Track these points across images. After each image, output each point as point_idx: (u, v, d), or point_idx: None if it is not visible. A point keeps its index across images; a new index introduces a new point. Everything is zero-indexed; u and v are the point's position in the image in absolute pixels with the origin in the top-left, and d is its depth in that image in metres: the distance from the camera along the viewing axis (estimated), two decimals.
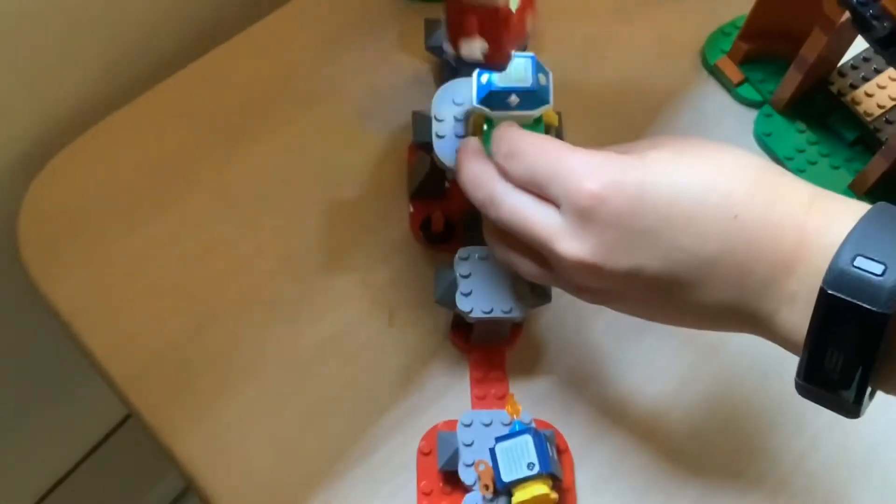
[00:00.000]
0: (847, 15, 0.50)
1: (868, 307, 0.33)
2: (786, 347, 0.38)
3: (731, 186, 0.38)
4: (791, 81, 0.57)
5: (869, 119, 0.57)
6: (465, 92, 0.50)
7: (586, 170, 0.39)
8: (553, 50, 0.60)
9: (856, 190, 0.56)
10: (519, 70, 0.46)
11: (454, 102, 0.50)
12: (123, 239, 0.53)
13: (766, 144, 0.58)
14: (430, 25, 0.56)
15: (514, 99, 0.46)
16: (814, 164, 0.57)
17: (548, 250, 0.40)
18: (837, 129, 0.58)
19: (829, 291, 0.34)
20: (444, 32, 0.45)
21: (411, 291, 0.53)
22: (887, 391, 0.36)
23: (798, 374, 0.36)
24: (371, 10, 0.62)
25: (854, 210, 0.36)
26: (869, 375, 0.34)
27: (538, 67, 0.48)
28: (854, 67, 0.59)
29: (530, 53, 0.48)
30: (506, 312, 0.47)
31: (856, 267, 0.34)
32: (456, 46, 0.43)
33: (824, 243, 0.35)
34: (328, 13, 0.62)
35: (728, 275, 0.37)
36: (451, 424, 0.48)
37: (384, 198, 0.56)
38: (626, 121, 0.60)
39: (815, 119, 0.59)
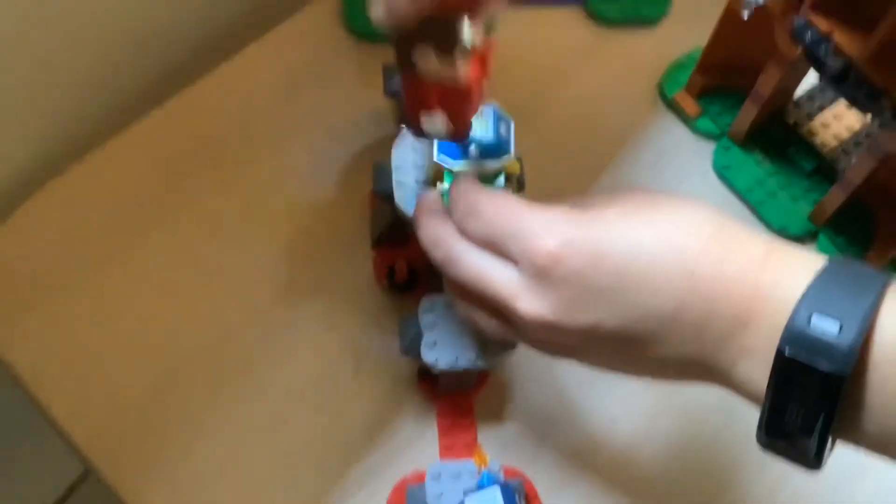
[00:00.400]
0: (801, 49, 0.50)
1: (825, 370, 0.33)
2: (746, 399, 0.38)
3: (686, 243, 0.38)
4: (747, 114, 0.57)
5: (825, 150, 0.58)
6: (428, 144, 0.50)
7: (543, 228, 0.39)
8: (510, 86, 0.60)
9: (815, 221, 0.57)
10: (479, 121, 0.46)
11: (413, 149, 0.50)
12: (83, 295, 0.52)
13: (726, 177, 0.59)
14: (388, 71, 0.55)
15: (473, 151, 0.46)
16: (773, 195, 0.58)
17: (507, 308, 0.40)
18: (795, 159, 0.59)
19: (787, 354, 0.34)
20: (402, 105, 0.44)
21: (377, 339, 0.53)
22: (848, 442, 0.36)
23: (759, 428, 0.36)
24: (329, 51, 0.62)
25: (810, 264, 0.36)
26: (829, 430, 0.34)
27: (499, 117, 0.47)
28: (810, 98, 0.59)
29: (491, 102, 0.48)
30: (471, 363, 0.47)
31: (812, 327, 0.34)
32: (416, 122, 0.43)
33: (779, 297, 0.35)
34: (287, 56, 0.61)
35: (686, 330, 0.37)
36: (420, 476, 0.48)
37: (348, 243, 0.55)
38: (586, 158, 0.60)
39: (773, 150, 0.59)
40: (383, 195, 0.50)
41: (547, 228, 0.39)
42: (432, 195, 0.45)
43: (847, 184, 0.53)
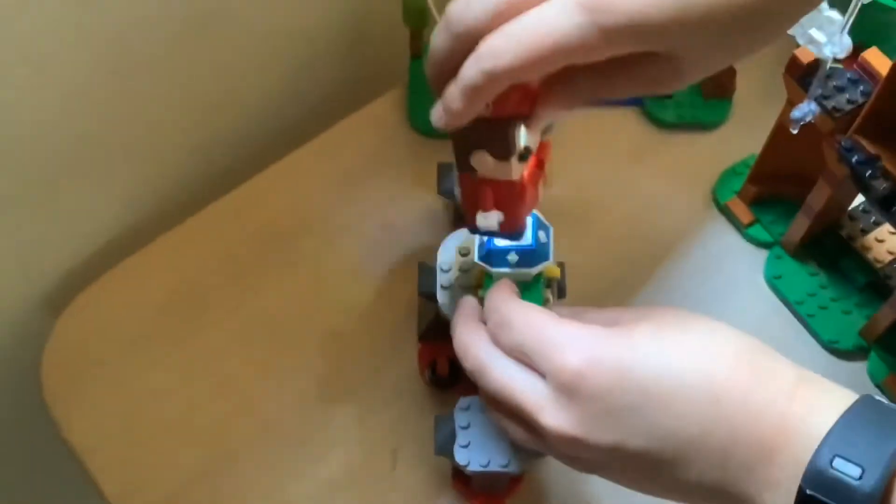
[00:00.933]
0: (847, 170, 0.50)
1: None
2: None
3: (713, 368, 0.38)
4: (800, 227, 0.57)
5: (879, 265, 0.57)
6: (469, 242, 0.52)
7: (570, 344, 0.40)
8: (564, 185, 0.61)
9: (866, 337, 0.56)
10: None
11: (459, 253, 0.52)
12: (140, 377, 0.55)
13: (777, 287, 0.58)
14: (443, 169, 0.58)
15: (513, 257, 0.48)
16: (824, 308, 0.57)
17: (533, 420, 0.41)
18: (848, 272, 0.58)
19: (808, 491, 0.34)
20: (460, 202, 0.46)
21: (415, 433, 0.54)
22: None
23: None
24: (391, 147, 0.65)
25: (838, 401, 0.36)
26: None
27: (538, 224, 0.49)
28: (865, 211, 0.59)
29: (541, 217, 0.49)
30: (503, 466, 0.47)
31: (834, 468, 0.34)
32: (472, 218, 0.45)
33: (805, 433, 0.35)
34: (344, 150, 0.64)
35: (709, 457, 0.38)
36: None
37: (393, 337, 0.57)
38: (636, 261, 0.60)
39: (825, 262, 0.59)
40: (427, 295, 0.51)
41: (574, 344, 0.40)
42: (470, 301, 0.47)
43: None
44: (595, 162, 0.64)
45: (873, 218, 0.59)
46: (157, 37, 0.55)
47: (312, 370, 0.56)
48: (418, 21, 0.62)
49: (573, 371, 0.39)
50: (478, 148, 0.41)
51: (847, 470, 0.33)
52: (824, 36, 0.46)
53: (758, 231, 0.60)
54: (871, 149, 0.49)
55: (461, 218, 0.59)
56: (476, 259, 0.48)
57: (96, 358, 0.56)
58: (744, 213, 0.61)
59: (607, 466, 0.41)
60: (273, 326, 0.57)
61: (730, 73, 0.64)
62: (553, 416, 0.40)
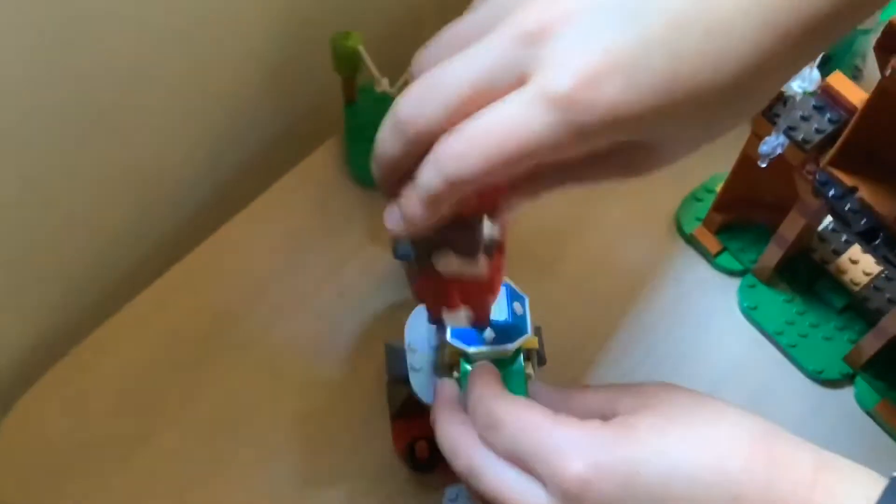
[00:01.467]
0: (824, 204, 0.48)
1: None
2: None
3: (727, 463, 0.35)
4: (772, 256, 0.55)
5: (856, 287, 0.55)
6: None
7: (571, 448, 0.37)
8: (527, 237, 0.58)
9: (851, 364, 0.54)
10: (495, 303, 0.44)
11: (427, 329, 0.48)
12: (93, 486, 0.50)
13: (754, 319, 0.56)
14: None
15: (489, 334, 0.44)
16: (805, 337, 0.55)
17: None
18: (825, 296, 0.56)
19: None
20: (417, 298, 0.43)
21: None
22: None
23: None
24: (332, 204, 0.60)
25: (863, 486, 0.34)
26: None
27: (512, 295, 0.46)
28: (834, 231, 0.57)
29: (513, 287, 0.46)
30: None
31: None
32: (435, 315, 0.42)
33: None
34: (286, 211, 0.60)
35: None
36: None
37: (365, 416, 0.53)
38: (607, 302, 0.57)
39: (800, 286, 0.57)
40: (398, 378, 0.48)
41: (575, 449, 0.37)
42: (448, 388, 0.43)
43: (883, 332, 0.51)
44: (553, 206, 0.61)
45: (844, 237, 0.57)
46: (65, 123, 0.49)
47: (283, 460, 0.52)
48: (350, 69, 0.57)
49: (577, 479, 0.36)
50: (440, 248, 0.38)
51: None
52: None
53: (727, 260, 0.58)
54: (846, 180, 0.46)
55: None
56: (448, 338, 0.44)
57: (42, 467, 0.51)
58: (711, 243, 0.58)
59: None
60: (233, 417, 0.53)
61: None
62: None
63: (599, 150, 0.33)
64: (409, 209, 0.35)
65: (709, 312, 0.58)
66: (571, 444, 0.37)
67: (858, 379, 0.54)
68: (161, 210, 0.60)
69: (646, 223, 0.61)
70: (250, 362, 0.55)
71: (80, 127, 0.50)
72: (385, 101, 0.60)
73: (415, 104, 0.34)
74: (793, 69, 0.33)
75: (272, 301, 0.57)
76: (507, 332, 0.44)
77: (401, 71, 0.64)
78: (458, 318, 0.42)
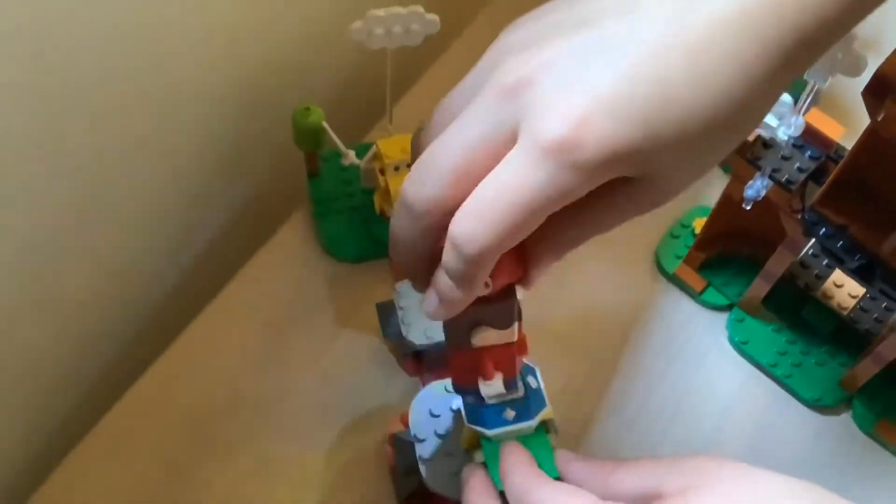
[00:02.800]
0: (815, 242, 0.48)
1: None
2: None
3: None
4: (759, 290, 0.55)
5: (844, 311, 0.55)
6: (440, 401, 0.47)
7: None
8: None
9: (847, 388, 0.54)
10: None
11: (431, 414, 0.47)
12: None
13: (746, 353, 0.56)
14: (384, 311, 0.52)
15: (509, 413, 0.43)
16: (798, 366, 0.55)
17: None
18: (813, 322, 0.56)
19: None
20: (451, 377, 0.41)
21: None
22: None
23: None
24: (305, 284, 0.58)
25: None
26: None
27: (525, 370, 0.44)
28: (815, 256, 0.57)
29: (525, 362, 0.44)
30: None
31: None
32: (467, 388, 0.41)
33: None
34: (258, 299, 0.57)
35: None
36: None
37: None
38: (599, 351, 0.57)
39: (787, 313, 0.57)
40: (408, 470, 0.46)
41: None
42: (479, 478, 0.41)
43: (879, 357, 0.51)
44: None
45: (826, 262, 0.57)
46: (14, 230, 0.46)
47: None
48: (313, 144, 0.55)
49: None
50: (479, 325, 0.38)
51: None
52: (776, 119, 0.43)
53: (712, 295, 0.58)
54: (836, 219, 0.46)
55: (412, 356, 0.54)
56: (467, 423, 0.43)
57: None
58: (695, 280, 0.58)
59: None
60: None
61: None
62: None
63: (603, 192, 0.32)
64: (445, 294, 0.34)
65: (700, 349, 0.57)
66: None
67: (856, 402, 0.55)
68: (124, 310, 0.57)
69: (626, 266, 0.60)
70: (240, 466, 0.52)
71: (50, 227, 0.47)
72: (349, 171, 0.59)
73: (417, 184, 0.33)
74: (786, 81, 0.32)
75: (255, 395, 0.54)
76: (527, 407, 0.43)
77: (360, 137, 0.62)
78: (496, 387, 0.40)
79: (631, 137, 0.30)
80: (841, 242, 0.46)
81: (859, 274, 0.46)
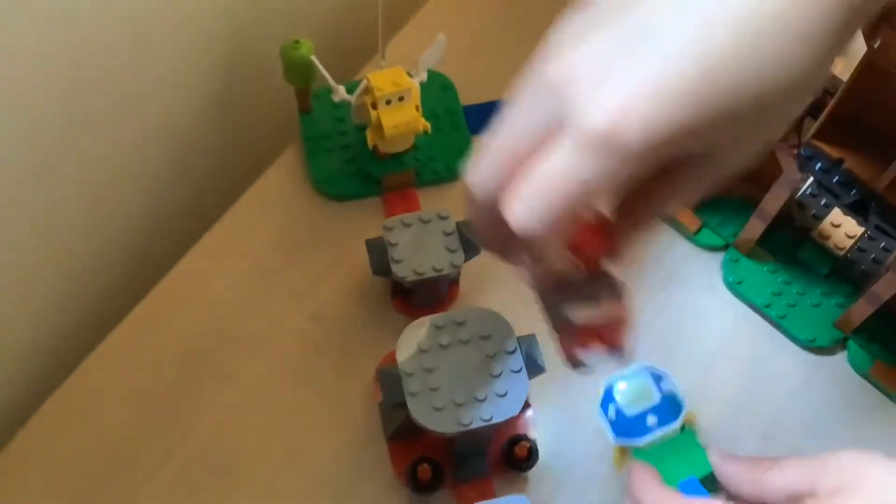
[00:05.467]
0: (811, 179, 0.47)
1: None
2: None
3: None
4: (754, 229, 0.54)
5: (841, 251, 0.54)
6: (428, 337, 0.46)
7: None
8: None
9: (842, 328, 0.54)
10: (638, 388, 0.43)
11: (419, 349, 0.46)
12: None
13: (740, 293, 0.55)
14: (374, 247, 0.51)
15: (651, 419, 0.43)
16: (793, 306, 0.55)
17: None
18: (809, 263, 0.55)
19: None
20: (560, 354, 0.41)
21: None
22: None
23: None
24: (295, 221, 0.57)
25: None
26: None
27: (654, 377, 0.44)
28: (813, 195, 0.56)
29: (637, 364, 0.44)
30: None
31: None
32: (575, 358, 0.40)
33: None
34: (250, 235, 0.57)
35: None
36: None
37: (357, 441, 0.51)
38: None
39: (783, 255, 0.56)
40: (395, 405, 0.46)
41: None
42: (643, 468, 0.42)
43: (874, 297, 0.50)
44: None
45: (823, 201, 0.56)
46: (12, 157, 0.46)
47: (279, 499, 0.50)
48: (303, 79, 0.54)
49: None
50: (577, 301, 0.38)
51: None
52: None
53: (707, 236, 0.57)
54: (832, 154, 0.45)
55: (401, 291, 0.54)
56: (614, 441, 0.43)
57: None
58: (690, 220, 0.57)
59: None
60: (221, 460, 0.50)
61: None
62: None
63: (672, 164, 0.32)
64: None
65: (695, 291, 0.57)
66: None
67: (851, 343, 0.54)
68: (115, 245, 0.57)
69: None
70: (230, 400, 0.52)
71: (25, 161, 0.46)
72: (341, 108, 0.58)
73: (475, 172, 0.34)
74: (834, 48, 0.30)
75: (245, 332, 0.54)
76: (667, 411, 0.43)
77: (352, 75, 0.61)
78: (598, 358, 0.40)
79: (678, 118, 0.29)
80: (837, 177, 0.45)
81: (855, 209, 0.45)
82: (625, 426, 0.43)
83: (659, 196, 0.35)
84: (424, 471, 0.49)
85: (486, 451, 0.50)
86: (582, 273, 0.37)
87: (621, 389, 0.43)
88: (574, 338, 0.40)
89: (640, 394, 0.43)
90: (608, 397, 0.44)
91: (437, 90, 0.60)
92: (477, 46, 0.63)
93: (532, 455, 0.50)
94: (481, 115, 0.60)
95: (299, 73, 0.54)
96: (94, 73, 0.47)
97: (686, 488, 0.42)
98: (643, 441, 0.42)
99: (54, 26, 0.43)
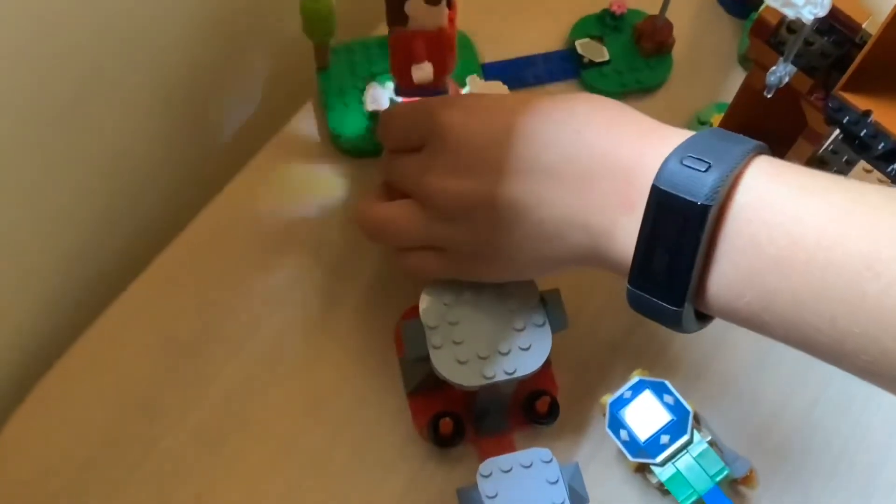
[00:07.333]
0: (838, 131, 0.47)
1: (691, 199, 0.35)
2: (620, 267, 0.39)
3: (575, 106, 0.41)
4: None
5: None
6: (451, 291, 0.46)
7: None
8: None
9: None
10: (645, 409, 0.45)
11: (443, 303, 0.46)
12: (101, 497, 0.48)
13: None
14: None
15: (664, 438, 0.45)
16: None
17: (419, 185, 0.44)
18: None
19: (659, 187, 0.36)
20: (391, 70, 0.49)
21: (430, 500, 0.49)
22: (707, 309, 0.38)
23: (629, 281, 0.38)
24: (315, 178, 0.57)
25: (692, 132, 0.39)
26: (690, 276, 0.36)
27: (657, 391, 0.46)
28: (835, 153, 0.56)
29: (649, 380, 0.47)
30: None
31: (684, 165, 0.36)
32: (404, 78, 0.49)
33: (662, 154, 0.37)
34: (268, 191, 0.56)
35: (570, 185, 0.39)
36: None
37: (377, 395, 0.51)
38: None
39: None
40: (417, 358, 0.46)
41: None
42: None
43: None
44: None
45: (846, 157, 0.56)
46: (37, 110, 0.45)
47: (297, 452, 0.50)
48: (324, 33, 0.54)
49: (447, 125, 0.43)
50: None
51: (694, 165, 0.35)
52: None
53: None
54: (859, 105, 0.45)
55: None
56: (632, 459, 0.45)
57: (47, 488, 0.48)
58: None
59: (459, 225, 0.43)
60: (239, 414, 0.50)
61: (667, 28, 0.59)
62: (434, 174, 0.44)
63: None
64: None
65: None
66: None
67: None
68: (133, 201, 0.56)
69: None
70: (248, 354, 0.52)
71: (54, 108, 0.46)
72: (360, 64, 0.58)
73: None
74: None
75: (262, 285, 0.54)
76: (675, 425, 0.45)
77: (370, 28, 0.61)
78: (425, 72, 0.48)
79: None
80: (864, 130, 0.45)
81: (883, 160, 0.45)
82: (639, 447, 0.45)
83: None
84: (446, 425, 0.49)
85: (508, 405, 0.50)
86: None
87: (630, 414, 0.45)
88: (409, 50, 0.47)
89: (649, 415, 0.45)
90: (617, 421, 0.45)
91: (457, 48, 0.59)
92: (494, 2, 0.63)
93: (553, 410, 0.50)
94: (500, 72, 0.59)
95: (319, 26, 0.53)
96: (113, 32, 0.47)
97: (711, 499, 0.44)
98: (659, 458, 0.44)
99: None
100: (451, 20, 0.48)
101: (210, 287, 0.53)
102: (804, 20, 0.43)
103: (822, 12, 0.42)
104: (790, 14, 0.43)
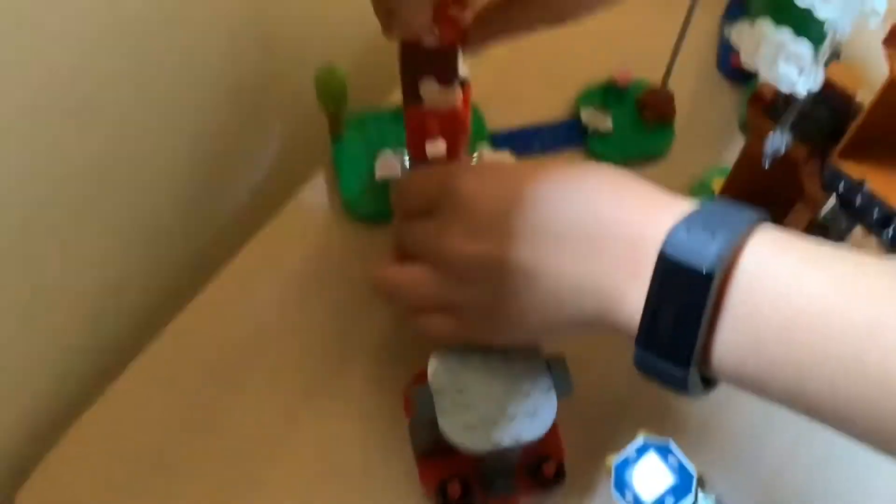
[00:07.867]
0: (835, 199, 0.48)
1: (696, 267, 0.36)
2: (627, 331, 0.40)
3: (585, 175, 0.43)
4: None
5: None
6: (458, 356, 0.47)
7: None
8: None
9: None
10: (650, 471, 0.45)
11: (452, 369, 0.47)
12: None
13: None
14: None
15: (669, 500, 0.44)
16: None
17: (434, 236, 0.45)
18: None
19: (666, 255, 0.37)
20: (407, 145, 0.52)
21: None
22: (712, 373, 0.39)
23: (636, 342, 0.39)
24: (328, 246, 0.59)
25: (696, 201, 0.40)
26: (695, 339, 0.37)
27: (661, 451, 0.46)
28: (834, 218, 0.57)
29: (654, 441, 0.46)
30: None
31: (689, 235, 0.37)
32: (418, 153, 0.51)
33: (668, 222, 0.38)
34: (281, 259, 0.58)
35: (579, 250, 0.41)
36: None
37: (386, 459, 0.52)
38: None
39: None
40: (426, 423, 0.47)
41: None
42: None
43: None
44: None
45: (844, 223, 0.57)
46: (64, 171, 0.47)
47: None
48: (337, 104, 0.56)
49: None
50: (426, 75, 0.47)
51: (699, 236, 0.37)
52: (796, 70, 0.43)
53: None
54: (854, 173, 0.46)
55: None
56: None
57: None
58: None
59: (474, 298, 0.44)
60: (246, 475, 0.51)
61: (668, 100, 0.61)
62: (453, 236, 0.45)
63: None
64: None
65: None
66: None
67: None
68: (149, 263, 0.58)
69: None
70: (261, 417, 0.53)
71: (68, 168, 0.48)
72: (373, 133, 0.60)
73: None
74: None
75: (276, 349, 0.55)
76: (679, 489, 0.44)
77: (384, 94, 0.63)
78: (438, 148, 0.50)
79: None
80: (859, 198, 0.46)
81: (878, 226, 0.46)
82: None
83: (520, 14, 0.45)
84: (455, 488, 0.49)
85: (515, 468, 0.50)
86: (435, 40, 0.44)
87: (635, 476, 0.45)
88: (423, 128, 0.49)
89: (654, 476, 0.45)
90: (622, 482, 0.45)
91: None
92: (503, 72, 0.65)
93: (559, 473, 0.51)
94: (508, 142, 0.61)
95: (333, 98, 0.55)
96: (129, 102, 0.49)
97: None
98: None
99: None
100: (465, 101, 0.49)
101: (223, 349, 0.55)
102: (798, 94, 0.44)
103: (816, 87, 0.44)
104: (785, 88, 0.45)
